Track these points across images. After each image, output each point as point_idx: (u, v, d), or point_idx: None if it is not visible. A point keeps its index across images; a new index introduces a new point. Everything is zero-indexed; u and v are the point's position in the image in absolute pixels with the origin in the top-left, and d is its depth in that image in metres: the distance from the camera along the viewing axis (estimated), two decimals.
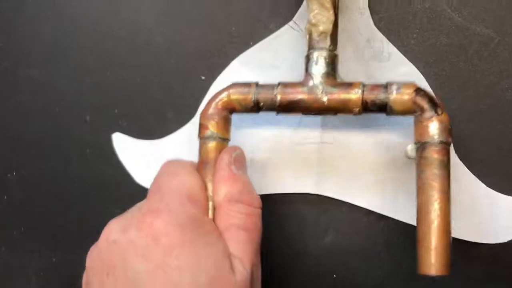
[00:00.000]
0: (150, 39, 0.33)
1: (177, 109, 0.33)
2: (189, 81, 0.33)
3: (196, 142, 0.29)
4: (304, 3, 0.30)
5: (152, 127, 0.33)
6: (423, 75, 0.30)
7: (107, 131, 0.33)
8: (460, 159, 0.30)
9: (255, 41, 0.32)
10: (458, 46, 0.30)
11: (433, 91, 0.30)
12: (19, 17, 0.35)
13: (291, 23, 0.31)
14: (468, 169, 0.31)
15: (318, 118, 0.31)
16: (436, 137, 0.26)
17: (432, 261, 0.25)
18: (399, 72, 0.30)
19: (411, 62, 0.31)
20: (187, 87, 0.33)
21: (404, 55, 0.31)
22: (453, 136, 0.29)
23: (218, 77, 0.32)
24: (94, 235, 0.25)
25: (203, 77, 0.32)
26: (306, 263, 0.32)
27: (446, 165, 0.26)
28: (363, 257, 0.32)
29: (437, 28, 0.31)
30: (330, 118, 0.31)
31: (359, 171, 0.31)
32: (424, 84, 0.30)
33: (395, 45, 0.31)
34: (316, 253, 0.32)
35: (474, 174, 0.31)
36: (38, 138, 0.35)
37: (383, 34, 0.31)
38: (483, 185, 0.31)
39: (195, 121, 0.32)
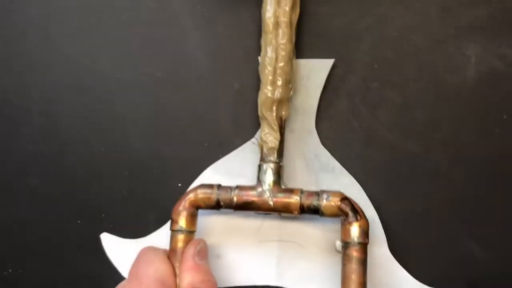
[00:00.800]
0: (133, 153, 0.38)
1: (158, 212, 0.37)
2: (168, 187, 0.37)
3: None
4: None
5: (135, 228, 0.37)
6: (362, 184, 0.35)
7: (96, 233, 0.37)
8: (393, 255, 0.34)
9: (224, 154, 0.36)
10: (388, 160, 0.36)
11: (370, 197, 0.35)
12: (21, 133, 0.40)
13: (253, 139, 0.36)
14: (400, 263, 0.34)
15: (277, 219, 0.35)
16: (355, 239, 0.31)
17: None
18: (342, 183, 0.35)
19: (351, 172, 0.35)
20: (166, 193, 0.37)
21: (345, 167, 0.35)
22: (389, 235, 0.34)
23: (192, 184, 0.36)
24: None
25: (179, 184, 0.37)
26: None
27: (363, 262, 0.31)
28: None
29: (373, 144, 0.36)
30: (288, 218, 0.35)
31: (312, 265, 0.35)
32: (361, 192, 0.35)
33: (338, 159, 0.35)
34: None
35: (405, 269, 0.34)
36: (34, 240, 0.38)
37: (328, 150, 0.36)
38: (408, 275, 0.34)
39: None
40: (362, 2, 0.36)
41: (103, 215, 0.37)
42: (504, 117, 0.35)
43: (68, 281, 0.38)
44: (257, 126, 0.36)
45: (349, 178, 0.35)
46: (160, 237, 0.36)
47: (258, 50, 0.36)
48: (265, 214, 0.34)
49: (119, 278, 0.36)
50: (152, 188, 0.37)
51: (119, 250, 0.37)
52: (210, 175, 0.37)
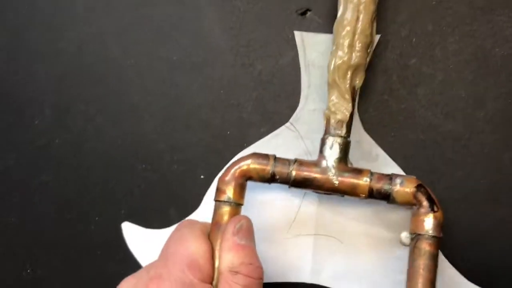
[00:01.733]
0: (153, 146, 0.36)
1: (179, 206, 0.35)
2: (189, 180, 0.35)
3: None
4: (299, 106, 0.34)
5: (156, 225, 0.35)
6: (404, 170, 0.33)
7: (115, 231, 0.36)
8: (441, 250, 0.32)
9: (248, 142, 0.35)
10: (431, 142, 0.33)
11: None
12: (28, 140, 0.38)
13: (287, 124, 0.34)
14: (448, 259, 0.32)
15: (313, 212, 0.33)
16: (430, 231, 0.29)
17: None
18: (387, 171, 0.32)
19: (391, 157, 0.33)
20: (188, 185, 0.35)
21: (386, 152, 0.33)
22: None
23: (220, 172, 0.34)
24: None
25: (202, 176, 0.35)
26: None
27: (435, 257, 0.29)
28: None
29: (412, 126, 0.34)
30: (324, 211, 0.33)
31: (351, 262, 0.33)
32: None
33: (379, 144, 0.33)
34: None
35: (455, 266, 0.33)
36: (52, 239, 0.37)
37: (369, 135, 0.34)
38: (463, 278, 0.32)
39: (195, 215, 0.34)
40: None
41: (122, 212, 0.36)
42: None
43: (89, 280, 0.37)
44: (284, 112, 0.34)
45: (394, 167, 0.33)
46: None
47: (282, 25, 0.34)
48: (325, 194, 0.32)
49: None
50: (172, 181, 0.36)
51: (140, 240, 0.35)
52: None
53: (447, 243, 0.33)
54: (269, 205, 0.34)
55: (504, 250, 0.33)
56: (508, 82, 0.33)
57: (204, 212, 0.34)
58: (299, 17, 0.35)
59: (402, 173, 0.33)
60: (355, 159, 0.33)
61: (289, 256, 0.33)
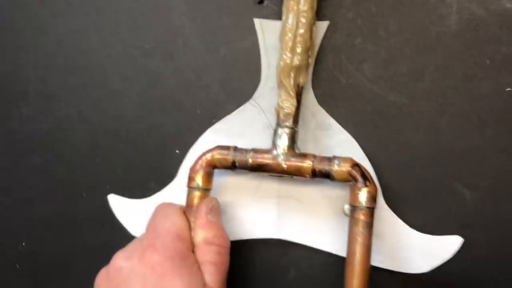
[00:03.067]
0: (132, 127, 0.40)
1: (158, 178, 0.39)
2: (166, 155, 0.39)
3: (175, 199, 0.35)
4: (260, 84, 0.38)
5: (139, 196, 0.39)
6: (354, 137, 0.37)
7: (102, 204, 0.39)
8: (386, 203, 0.37)
9: (217, 119, 0.38)
10: (376, 112, 0.37)
11: (362, 149, 0.37)
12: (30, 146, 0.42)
13: (251, 101, 0.38)
14: (392, 210, 0.37)
15: (275, 180, 0.37)
16: (364, 203, 0.33)
17: None
18: (338, 139, 0.37)
19: (342, 126, 0.37)
20: (165, 160, 0.39)
21: (338, 121, 0.37)
22: (383, 186, 0.36)
23: (193, 146, 0.38)
24: None
25: (177, 151, 0.39)
26: None
27: (369, 225, 0.33)
28: (318, 285, 0.39)
29: (360, 98, 0.37)
30: (286, 179, 0.37)
31: (311, 220, 0.37)
32: (357, 148, 0.37)
33: (331, 115, 0.37)
34: (282, 287, 0.39)
35: (401, 218, 0.37)
36: (44, 215, 0.41)
37: (322, 106, 0.37)
38: (404, 224, 0.37)
39: (173, 184, 0.38)
40: None
41: (107, 186, 0.40)
42: (487, 62, 0.37)
43: (81, 252, 0.41)
44: (247, 90, 0.38)
45: (344, 134, 0.37)
46: (164, 196, 0.39)
47: (243, 13, 0.38)
48: (278, 176, 0.36)
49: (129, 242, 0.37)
50: (151, 157, 0.40)
51: (126, 210, 0.39)
52: (210, 136, 0.38)
53: (393, 197, 0.37)
54: (238, 178, 0.38)
55: (441, 200, 0.37)
56: (443, 56, 0.37)
57: (179, 182, 0.38)
58: (257, 5, 0.38)
59: (352, 139, 0.37)
60: (311, 129, 0.37)
61: (256, 216, 0.38)
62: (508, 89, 0.36)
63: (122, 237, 0.38)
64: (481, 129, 0.37)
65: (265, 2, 0.38)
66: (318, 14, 0.36)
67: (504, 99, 0.36)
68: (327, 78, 0.38)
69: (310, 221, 0.37)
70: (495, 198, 0.37)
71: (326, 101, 0.38)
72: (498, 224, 0.37)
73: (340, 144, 0.36)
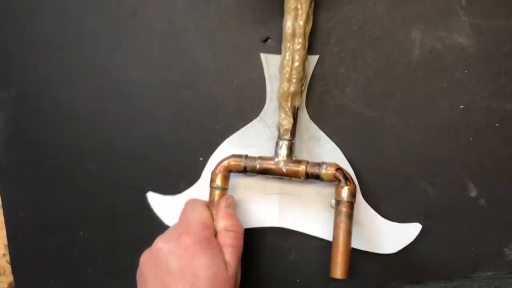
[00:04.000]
0: (165, 140, 0.46)
1: (187, 180, 0.46)
2: (192, 162, 0.46)
3: (199, 195, 0.43)
4: (265, 105, 0.45)
5: (171, 194, 0.46)
6: (339, 146, 0.43)
7: (143, 202, 0.47)
8: (364, 198, 0.43)
9: (231, 132, 0.45)
10: (357, 126, 0.44)
11: (346, 156, 0.44)
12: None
13: (258, 118, 0.44)
14: (369, 204, 0.43)
15: (278, 180, 0.44)
16: (345, 198, 0.40)
17: (338, 270, 0.39)
18: (326, 148, 0.44)
19: (331, 139, 0.44)
20: (192, 165, 0.46)
21: (327, 134, 0.44)
22: (362, 184, 0.43)
23: (213, 154, 0.45)
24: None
25: (201, 158, 0.46)
26: (275, 273, 0.46)
27: (350, 216, 0.39)
28: (315, 266, 0.45)
29: (344, 115, 0.44)
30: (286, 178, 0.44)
31: (306, 212, 0.44)
32: (340, 154, 0.43)
33: (322, 130, 0.44)
34: (283, 266, 0.45)
35: (376, 210, 0.43)
36: (97, 210, 0.48)
37: (314, 122, 0.44)
38: (378, 215, 0.43)
39: (198, 184, 0.45)
40: (328, 5, 0.45)
41: (146, 186, 0.47)
42: (445, 85, 0.44)
43: (126, 238, 0.48)
44: (255, 110, 0.45)
45: (331, 144, 0.44)
46: (191, 193, 0.46)
47: (251, 50, 0.45)
48: (280, 177, 0.42)
49: (165, 230, 0.41)
50: (180, 163, 0.47)
51: (162, 205, 0.46)
52: (226, 147, 0.45)
53: (370, 193, 0.44)
54: (249, 179, 0.45)
55: (409, 195, 0.44)
56: (409, 80, 0.43)
57: (202, 183, 0.45)
58: (262, 43, 0.45)
59: (337, 148, 0.44)
60: (305, 140, 0.44)
61: (263, 209, 0.44)
62: (461, 106, 0.44)
63: (159, 228, 0.44)
64: (440, 138, 0.44)
65: (269, 41, 0.46)
66: (310, 50, 0.44)
67: (458, 115, 0.43)
68: (318, 100, 0.44)
69: (306, 213, 0.44)
70: (452, 192, 0.43)
71: (317, 118, 0.44)
72: (454, 213, 0.43)
73: (328, 152, 0.43)
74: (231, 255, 0.38)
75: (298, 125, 0.44)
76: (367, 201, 0.44)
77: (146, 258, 0.38)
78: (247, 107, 0.46)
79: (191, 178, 0.46)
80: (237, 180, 0.45)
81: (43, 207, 0.49)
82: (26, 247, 0.50)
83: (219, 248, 0.38)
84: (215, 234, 0.39)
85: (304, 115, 0.45)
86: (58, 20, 0.49)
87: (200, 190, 0.45)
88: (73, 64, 0.48)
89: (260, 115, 0.45)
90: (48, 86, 0.49)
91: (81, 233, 0.49)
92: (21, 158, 0.50)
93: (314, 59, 0.45)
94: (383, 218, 0.44)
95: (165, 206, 0.46)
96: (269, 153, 0.43)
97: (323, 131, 0.45)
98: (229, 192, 0.43)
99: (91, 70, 0.48)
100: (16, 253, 0.50)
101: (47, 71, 0.49)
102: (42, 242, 0.49)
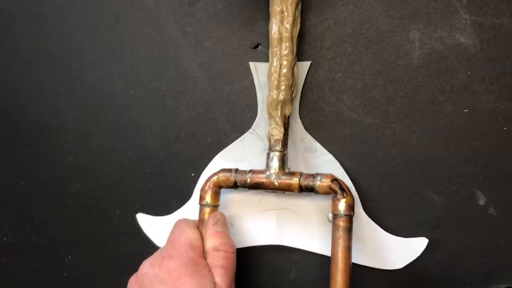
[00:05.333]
0: (155, 155, 0.46)
1: (178, 197, 0.45)
2: (183, 177, 0.45)
3: (191, 215, 0.41)
4: (257, 116, 0.43)
5: (162, 212, 0.45)
6: (336, 156, 0.42)
7: (132, 221, 0.46)
8: (365, 211, 0.42)
9: (224, 146, 0.44)
10: (355, 134, 0.43)
11: (344, 166, 0.42)
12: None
13: (250, 130, 0.43)
14: (371, 217, 0.42)
15: (274, 194, 0.43)
16: (342, 212, 0.38)
17: None
18: (323, 159, 0.42)
19: (327, 149, 0.42)
20: (183, 182, 0.45)
21: (322, 145, 0.42)
22: (362, 196, 0.41)
23: (205, 169, 0.44)
24: None
25: (192, 174, 0.45)
26: None
27: (348, 230, 0.38)
28: (317, 284, 0.44)
29: (341, 123, 0.43)
30: (283, 194, 0.43)
31: (305, 227, 0.42)
32: (338, 166, 0.42)
33: (317, 140, 0.43)
34: (284, 285, 0.44)
35: (378, 223, 0.41)
36: (85, 232, 0.47)
37: (309, 133, 0.43)
38: (380, 229, 0.41)
39: (190, 202, 0.44)
40: (320, 7, 0.43)
41: (136, 205, 0.46)
42: (447, 88, 0.42)
43: (114, 260, 0.47)
44: (247, 121, 0.44)
45: (328, 155, 0.43)
46: (183, 212, 0.45)
47: (241, 57, 0.44)
48: (272, 192, 0.41)
49: (155, 251, 0.41)
50: (171, 180, 0.46)
51: (152, 226, 0.45)
52: (219, 161, 0.44)
53: (372, 205, 0.42)
54: (243, 195, 0.44)
55: (414, 205, 0.42)
56: (410, 84, 0.42)
57: (195, 200, 0.44)
58: (252, 50, 0.44)
59: (334, 159, 0.42)
60: (301, 152, 0.43)
61: (259, 226, 0.43)
62: (466, 110, 0.42)
63: (148, 248, 0.45)
64: (445, 144, 0.42)
65: (259, 47, 0.44)
66: (302, 55, 0.43)
67: (463, 119, 0.42)
68: (313, 108, 0.43)
69: (305, 229, 0.43)
70: (459, 201, 0.42)
71: (313, 128, 0.43)
72: (463, 223, 0.42)
73: (325, 163, 0.42)
74: (221, 276, 0.37)
75: (292, 136, 0.43)
76: (368, 215, 0.42)
77: (132, 284, 0.38)
78: (239, 118, 0.45)
79: (183, 195, 0.45)
80: (229, 196, 0.44)
81: (29, 231, 0.49)
82: (11, 272, 0.49)
83: (208, 270, 0.37)
84: (205, 255, 0.38)
85: (298, 126, 0.43)
86: (38, 32, 0.48)
87: (193, 208, 0.44)
88: (54, 77, 0.48)
89: (252, 127, 0.44)
90: (29, 101, 0.49)
91: (69, 257, 0.48)
92: (3, 180, 0.49)
93: (306, 65, 0.43)
94: (386, 233, 0.42)
95: (155, 227, 0.45)
96: (263, 166, 0.42)
97: (319, 141, 0.43)
98: (222, 209, 0.42)
99: (74, 83, 0.48)
100: (1, 279, 0.49)
101: (27, 85, 0.49)
102: (28, 267, 0.49)
